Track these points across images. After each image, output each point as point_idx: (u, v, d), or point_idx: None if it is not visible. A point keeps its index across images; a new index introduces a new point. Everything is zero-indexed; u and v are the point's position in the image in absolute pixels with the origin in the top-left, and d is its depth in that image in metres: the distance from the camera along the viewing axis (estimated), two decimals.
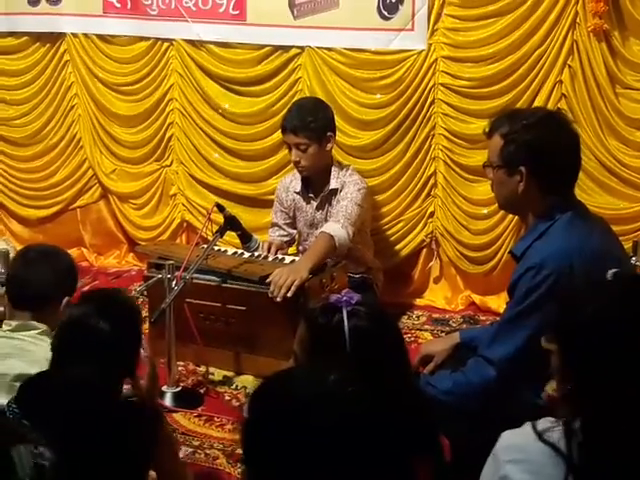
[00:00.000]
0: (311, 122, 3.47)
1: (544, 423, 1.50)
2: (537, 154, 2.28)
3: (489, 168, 2.40)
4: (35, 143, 4.63)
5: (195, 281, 3.13)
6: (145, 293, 3.63)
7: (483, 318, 3.85)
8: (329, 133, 3.55)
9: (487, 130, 2.41)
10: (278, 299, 3.06)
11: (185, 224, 4.47)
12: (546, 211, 2.32)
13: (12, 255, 3.39)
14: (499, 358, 2.30)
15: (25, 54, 4.52)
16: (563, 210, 2.31)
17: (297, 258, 3.44)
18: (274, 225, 3.78)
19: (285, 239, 3.74)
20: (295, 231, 3.79)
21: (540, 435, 1.47)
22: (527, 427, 1.51)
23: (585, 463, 1.43)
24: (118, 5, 4.24)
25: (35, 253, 2.58)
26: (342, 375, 1.34)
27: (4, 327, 2.40)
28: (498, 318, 3.80)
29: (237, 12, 4.02)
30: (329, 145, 3.57)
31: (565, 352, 1.56)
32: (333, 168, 3.60)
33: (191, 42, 4.19)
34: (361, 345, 1.67)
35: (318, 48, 3.94)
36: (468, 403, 2.31)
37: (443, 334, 3.63)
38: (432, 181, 3.96)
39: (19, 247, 4.32)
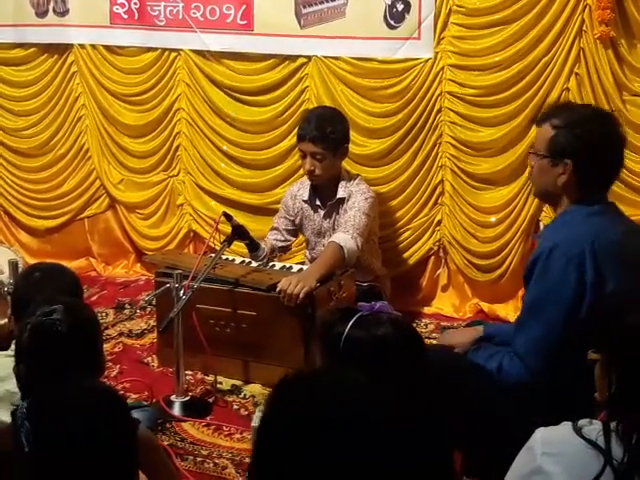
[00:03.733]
0: (331, 133, 3.48)
1: (581, 421, 1.56)
2: (585, 149, 2.32)
3: (533, 155, 2.44)
4: (43, 154, 4.64)
5: (205, 286, 3.13)
6: (153, 302, 3.65)
7: None
8: (345, 144, 3.56)
9: (538, 118, 2.46)
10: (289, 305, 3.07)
11: (192, 234, 4.48)
12: (576, 204, 2.36)
13: (21, 266, 3.41)
14: (524, 351, 2.32)
15: (33, 65, 4.54)
16: (593, 204, 2.36)
17: (304, 267, 3.44)
18: (274, 229, 3.79)
19: (280, 244, 3.75)
20: (294, 239, 3.81)
21: (579, 430, 1.53)
22: (566, 424, 1.57)
23: (625, 459, 1.48)
24: (125, 16, 4.26)
25: (40, 273, 2.59)
26: (363, 380, 1.34)
27: (13, 346, 2.40)
28: None
29: (245, 22, 4.03)
30: (344, 156, 3.58)
31: (609, 359, 1.63)
32: (341, 177, 3.61)
33: (198, 52, 4.20)
34: (392, 352, 1.67)
35: (325, 57, 3.95)
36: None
37: None
38: (439, 189, 3.96)
39: (27, 257, 4.36)
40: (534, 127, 2.68)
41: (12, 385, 2.13)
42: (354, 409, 1.29)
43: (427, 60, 3.79)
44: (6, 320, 3.19)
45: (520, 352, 2.34)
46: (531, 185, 2.61)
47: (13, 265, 3.36)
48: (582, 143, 2.31)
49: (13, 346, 2.38)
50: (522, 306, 2.46)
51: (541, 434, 1.58)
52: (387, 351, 1.67)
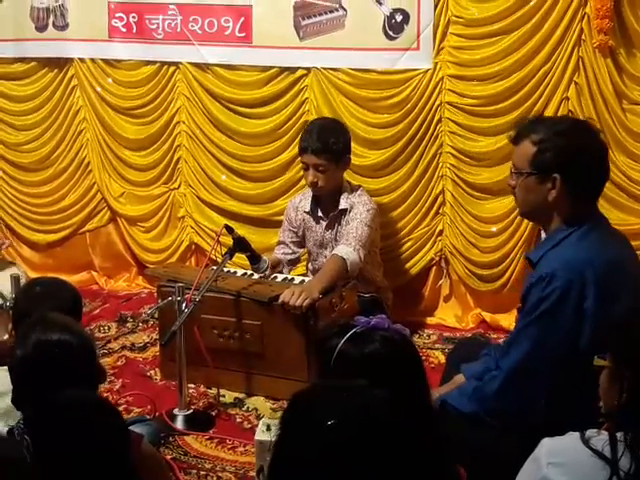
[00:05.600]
0: (333, 144, 3.48)
1: (589, 431, 1.55)
2: (572, 161, 2.26)
3: (515, 174, 2.38)
4: (44, 168, 4.64)
5: (211, 295, 3.13)
6: (155, 315, 3.66)
7: (494, 336, 3.83)
8: (347, 155, 3.56)
9: (513, 136, 2.39)
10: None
11: (194, 246, 4.48)
12: (568, 220, 2.31)
13: (23, 280, 3.41)
14: (507, 367, 2.31)
15: (33, 79, 4.54)
16: (584, 220, 2.30)
17: (306, 279, 3.44)
18: (280, 243, 3.79)
19: (289, 257, 3.75)
20: (301, 250, 3.80)
21: (586, 441, 1.52)
22: (573, 434, 1.55)
23: (632, 470, 1.47)
24: (124, 30, 4.27)
25: (40, 288, 2.60)
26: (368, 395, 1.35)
27: None
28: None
29: (243, 34, 4.04)
30: (346, 167, 3.59)
31: (617, 367, 1.61)
32: (343, 188, 3.61)
33: (197, 65, 4.21)
34: (381, 369, 1.66)
35: (324, 69, 3.96)
36: (486, 411, 2.32)
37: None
38: (440, 199, 3.96)
39: (29, 272, 4.36)
40: None
41: None
42: (370, 423, 1.30)
43: (426, 70, 3.80)
44: (7, 336, 3.21)
45: (503, 367, 2.32)
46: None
47: (15, 280, 3.36)
48: (568, 155, 2.25)
49: None
50: (514, 328, 2.42)
51: (547, 444, 1.57)
52: (374, 369, 1.66)
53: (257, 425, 2.76)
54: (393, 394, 1.39)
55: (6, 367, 2.48)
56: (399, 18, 3.77)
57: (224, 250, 3.28)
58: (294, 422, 1.37)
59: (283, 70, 4.06)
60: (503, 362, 2.34)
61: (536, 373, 2.26)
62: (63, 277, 3.69)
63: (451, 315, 4.07)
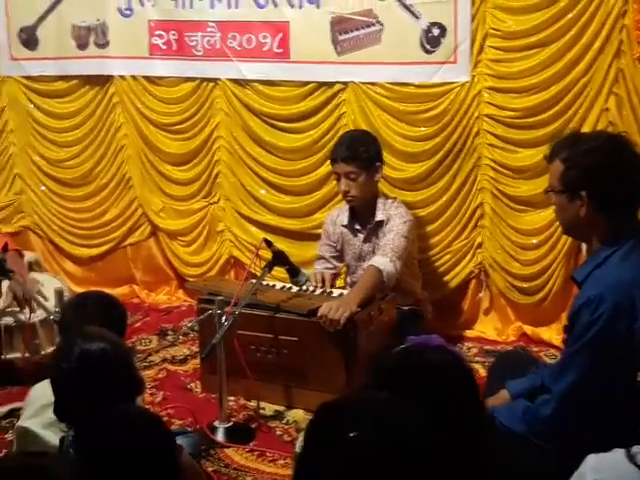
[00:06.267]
0: (363, 151, 3.52)
1: (635, 447, 1.55)
2: (597, 178, 2.26)
3: (551, 193, 2.39)
4: (86, 183, 4.72)
5: (246, 311, 3.15)
6: (195, 328, 3.69)
7: (536, 349, 3.81)
8: (378, 163, 3.58)
9: (547, 155, 2.40)
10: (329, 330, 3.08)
11: (233, 260, 4.51)
12: (609, 236, 2.29)
13: (66, 294, 3.47)
14: (560, 393, 2.29)
15: (75, 97, 4.63)
16: (627, 237, 2.28)
17: (345, 292, 3.45)
18: (320, 258, 3.80)
19: (331, 272, 3.75)
20: (341, 264, 3.81)
21: (632, 457, 1.52)
22: (618, 450, 1.55)
23: None
24: (164, 47, 4.34)
25: (90, 303, 2.65)
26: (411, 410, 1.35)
27: None
28: (550, 349, 3.80)
29: (281, 50, 4.08)
30: (377, 175, 3.60)
31: None
32: (379, 200, 3.62)
33: (236, 81, 4.26)
34: (432, 389, 1.65)
35: (362, 83, 3.98)
36: (536, 434, 2.30)
37: None
38: (479, 212, 3.95)
39: (72, 286, 4.42)
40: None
41: None
42: (395, 437, 1.29)
43: (464, 83, 3.80)
44: (54, 347, 3.27)
45: (555, 391, 2.30)
46: None
47: (59, 293, 3.43)
48: (593, 172, 2.25)
49: None
50: (564, 351, 2.40)
51: (592, 461, 1.56)
52: (426, 387, 1.64)
53: (297, 438, 2.78)
54: (438, 413, 1.38)
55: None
56: (436, 32, 3.77)
57: (263, 263, 3.31)
58: (317, 433, 1.37)
59: (320, 85, 4.08)
60: (555, 387, 2.31)
61: (589, 398, 2.24)
62: (105, 291, 3.76)
63: (491, 328, 4.05)
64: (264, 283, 3.42)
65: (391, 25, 3.86)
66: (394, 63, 3.89)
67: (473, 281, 4.06)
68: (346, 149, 3.53)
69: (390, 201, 3.65)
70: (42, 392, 2.57)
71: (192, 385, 3.55)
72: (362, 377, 3.03)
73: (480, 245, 3.99)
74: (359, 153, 3.51)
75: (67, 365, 2.11)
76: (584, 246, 3.68)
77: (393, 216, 3.57)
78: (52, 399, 2.43)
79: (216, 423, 3.11)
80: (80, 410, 1.96)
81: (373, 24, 3.89)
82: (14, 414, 3.09)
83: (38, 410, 2.51)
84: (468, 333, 4.05)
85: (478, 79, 3.79)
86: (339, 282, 3.95)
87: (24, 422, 2.51)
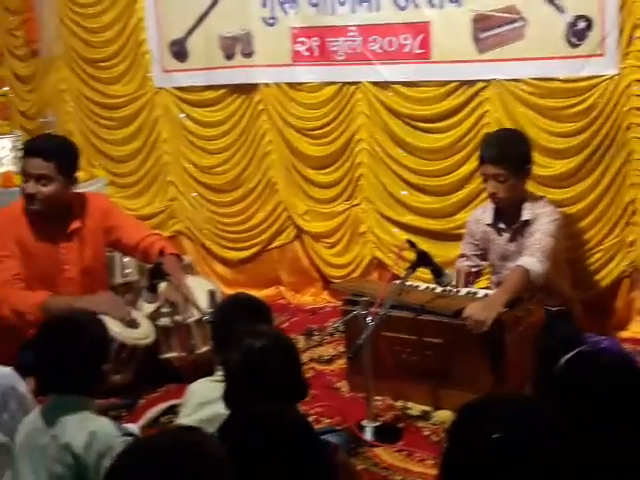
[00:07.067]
0: (511, 154, 3.45)
1: None
2: None
3: None
4: (234, 189, 4.88)
5: (390, 314, 3.17)
6: (340, 329, 3.76)
7: None
8: (527, 165, 3.51)
9: None
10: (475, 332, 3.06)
11: (375, 261, 4.54)
12: None
13: (218, 295, 3.61)
14: None
15: (223, 105, 4.80)
16: None
17: (489, 292, 3.41)
18: (463, 256, 3.77)
19: (473, 269, 3.71)
20: (484, 263, 3.76)
21: None
22: None
23: None
24: (307, 53, 4.43)
25: (242, 305, 2.82)
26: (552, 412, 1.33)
27: (218, 372, 2.57)
28: None
29: (422, 51, 4.08)
30: (526, 177, 3.53)
31: None
32: (525, 199, 3.55)
33: (377, 83, 4.29)
34: (602, 394, 1.60)
35: (505, 80, 3.92)
36: None
37: None
38: (631, 209, 3.80)
39: (223, 287, 4.59)
40: None
41: (221, 407, 2.26)
42: (537, 439, 1.28)
43: (612, 76, 3.67)
44: (208, 347, 3.41)
45: None
46: None
47: (211, 294, 3.58)
48: None
49: (218, 372, 2.54)
50: None
51: None
52: (595, 393, 1.59)
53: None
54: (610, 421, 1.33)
55: (210, 378, 2.66)
56: (582, 25, 3.67)
57: (406, 265, 3.32)
58: (460, 433, 1.37)
59: (462, 84, 4.06)
60: None
61: None
62: (252, 292, 3.90)
63: None
64: (407, 284, 3.43)
65: (534, 20, 3.79)
66: (538, 58, 3.81)
67: (625, 280, 3.91)
68: (494, 150, 3.47)
69: (537, 200, 3.57)
70: (198, 391, 2.71)
71: (339, 384, 3.61)
72: (512, 380, 3.01)
73: (632, 243, 3.84)
74: (507, 155, 3.44)
75: (237, 357, 2.22)
76: None
77: (540, 215, 3.49)
78: (208, 398, 2.56)
79: (364, 422, 3.15)
80: (239, 407, 2.03)
81: (516, 20, 3.83)
82: (173, 411, 3.22)
83: (194, 408, 2.65)
84: (621, 334, 3.89)
85: (628, 71, 3.65)
86: (483, 282, 3.91)
87: (181, 420, 2.65)
